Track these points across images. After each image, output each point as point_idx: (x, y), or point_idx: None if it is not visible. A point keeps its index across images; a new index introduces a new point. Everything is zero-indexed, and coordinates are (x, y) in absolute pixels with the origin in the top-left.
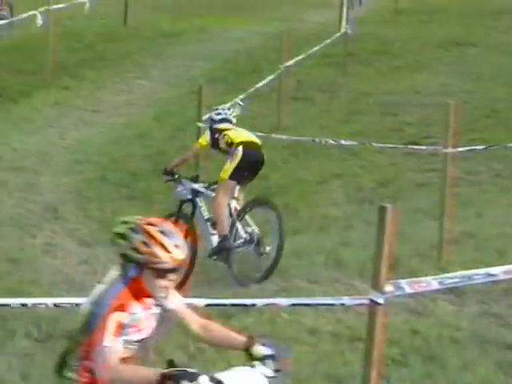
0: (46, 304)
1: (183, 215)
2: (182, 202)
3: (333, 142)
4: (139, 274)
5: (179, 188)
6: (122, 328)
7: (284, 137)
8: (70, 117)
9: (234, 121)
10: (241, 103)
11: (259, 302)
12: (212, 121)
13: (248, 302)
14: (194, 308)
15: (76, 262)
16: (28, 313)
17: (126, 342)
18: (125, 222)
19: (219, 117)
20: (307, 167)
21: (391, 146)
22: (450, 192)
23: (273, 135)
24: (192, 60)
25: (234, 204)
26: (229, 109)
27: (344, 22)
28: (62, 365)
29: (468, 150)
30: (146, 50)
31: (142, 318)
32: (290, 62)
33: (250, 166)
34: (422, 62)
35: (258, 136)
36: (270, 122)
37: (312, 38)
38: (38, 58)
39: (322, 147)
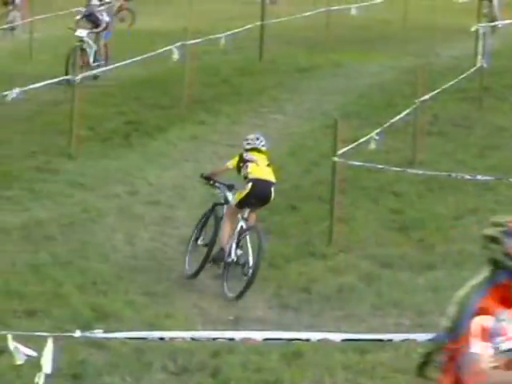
0: (183, 337)
1: (215, 216)
2: (216, 204)
3: (468, 177)
4: (509, 280)
5: (217, 191)
6: (487, 332)
7: (420, 171)
8: (206, 151)
9: (264, 149)
10: (376, 138)
11: (396, 337)
12: (243, 149)
13: (385, 337)
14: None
15: (212, 296)
16: (164, 346)
17: (497, 350)
18: (497, 224)
19: (249, 146)
20: (443, 202)
21: None
22: None
23: (408, 170)
24: (327, 94)
25: (241, 223)
26: (257, 138)
27: (480, 56)
28: (425, 364)
29: None
30: (281, 85)
31: (510, 325)
32: (426, 97)
33: (256, 200)
34: None
35: (392, 171)
36: (405, 156)
37: (447, 72)
38: (175, 93)
39: (458, 182)
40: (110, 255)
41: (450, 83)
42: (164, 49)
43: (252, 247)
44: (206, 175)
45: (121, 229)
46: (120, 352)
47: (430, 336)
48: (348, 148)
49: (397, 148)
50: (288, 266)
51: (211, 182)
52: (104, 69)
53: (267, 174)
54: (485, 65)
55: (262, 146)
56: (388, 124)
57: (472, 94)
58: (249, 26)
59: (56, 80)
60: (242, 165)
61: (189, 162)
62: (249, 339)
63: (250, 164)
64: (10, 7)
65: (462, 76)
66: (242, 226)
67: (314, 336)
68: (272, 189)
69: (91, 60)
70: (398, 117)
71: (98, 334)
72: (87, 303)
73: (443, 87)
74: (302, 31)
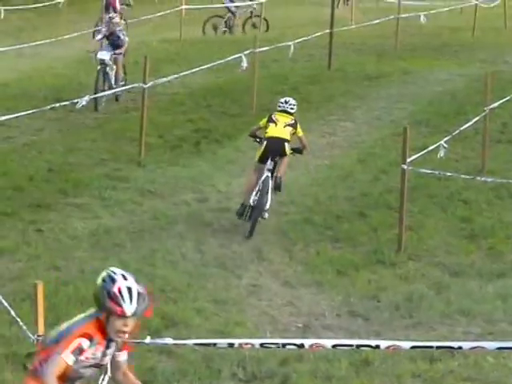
0: (252, 344)
1: None
2: None
3: None
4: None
5: None
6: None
7: (489, 179)
8: None
9: (293, 111)
10: (445, 146)
11: (466, 345)
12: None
13: (454, 344)
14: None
15: (281, 304)
16: (233, 353)
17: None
18: None
19: (279, 108)
20: None
21: None
22: None
23: (477, 178)
24: (395, 102)
25: (266, 174)
26: (286, 102)
27: None
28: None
29: None
30: (349, 93)
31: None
32: (495, 105)
33: (272, 154)
34: None
35: (461, 179)
36: (475, 164)
37: None
38: (244, 100)
39: None
40: (179, 262)
41: None
42: (233, 56)
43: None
44: (250, 134)
45: (190, 236)
46: (189, 359)
47: (499, 344)
48: (417, 156)
49: (466, 156)
50: (357, 273)
51: (257, 140)
52: (174, 76)
53: (281, 133)
54: None
55: (291, 108)
56: (457, 132)
57: None
58: (318, 33)
59: (126, 88)
60: (267, 124)
61: None
62: (318, 345)
63: (270, 124)
64: (112, 13)
65: None
66: (267, 176)
67: (384, 343)
68: (285, 144)
69: (112, 82)
70: (466, 125)
71: (168, 340)
72: (156, 311)
73: None
74: (371, 39)
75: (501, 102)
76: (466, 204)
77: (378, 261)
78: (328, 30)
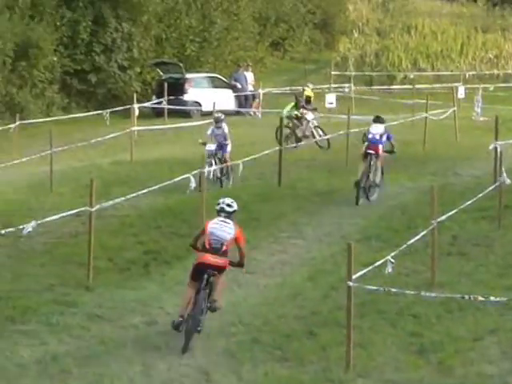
0: None
1: None
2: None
3: (482, 298)
4: None
5: None
6: None
7: (433, 294)
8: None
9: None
10: (392, 260)
11: None
12: None
13: None
14: None
15: None
16: None
17: None
18: None
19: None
20: (462, 323)
21: None
22: None
23: (422, 293)
24: (347, 217)
25: None
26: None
27: (499, 175)
28: None
29: None
30: (300, 209)
31: None
32: (443, 217)
33: None
34: None
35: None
36: (425, 277)
37: (467, 191)
38: (193, 221)
39: (477, 302)
40: None
41: (468, 202)
42: (181, 177)
43: None
44: None
45: (138, 360)
46: None
47: None
48: (363, 272)
49: (416, 270)
50: None
51: None
52: (122, 198)
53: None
54: (508, 181)
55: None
56: (405, 246)
57: (491, 213)
58: (267, 151)
59: (73, 212)
60: None
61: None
62: None
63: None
64: None
65: (480, 195)
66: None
67: None
68: None
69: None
70: (414, 239)
71: None
72: None
73: (461, 207)
74: (322, 154)
75: (448, 214)
76: (416, 319)
77: (327, 379)
78: (277, 148)
